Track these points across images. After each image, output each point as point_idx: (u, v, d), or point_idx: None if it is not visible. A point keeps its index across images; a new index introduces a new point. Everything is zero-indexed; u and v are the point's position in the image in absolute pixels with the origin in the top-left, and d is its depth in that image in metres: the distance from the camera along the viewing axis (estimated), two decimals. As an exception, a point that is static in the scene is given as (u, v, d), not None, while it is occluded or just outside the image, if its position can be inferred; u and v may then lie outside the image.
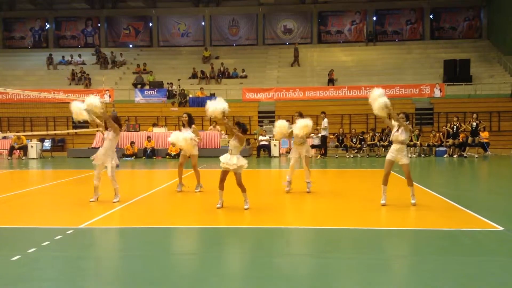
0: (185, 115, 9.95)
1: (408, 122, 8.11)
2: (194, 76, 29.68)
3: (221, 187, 8.02)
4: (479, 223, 6.80)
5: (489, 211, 7.53)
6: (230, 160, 7.75)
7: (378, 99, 7.84)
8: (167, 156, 19.74)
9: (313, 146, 19.91)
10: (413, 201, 8.12)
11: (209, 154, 19.24)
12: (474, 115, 19.80)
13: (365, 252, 5.46)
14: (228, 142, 8.10)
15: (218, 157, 8.13)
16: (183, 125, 9.93)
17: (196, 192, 9.84)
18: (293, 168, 9.78)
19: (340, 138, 20.61)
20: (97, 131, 20.31)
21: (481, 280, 4.49)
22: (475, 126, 19.34)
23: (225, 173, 7.94)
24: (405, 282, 4.57)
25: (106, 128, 8.72)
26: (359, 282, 4.47)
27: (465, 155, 19.08)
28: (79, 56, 32.62)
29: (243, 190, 7.96)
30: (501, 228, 6.37)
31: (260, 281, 4.49)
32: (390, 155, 8.13)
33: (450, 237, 6.12)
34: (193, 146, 9.48)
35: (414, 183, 8.23)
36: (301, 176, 10.20)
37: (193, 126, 9.85)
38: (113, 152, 8.60)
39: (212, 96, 25.73)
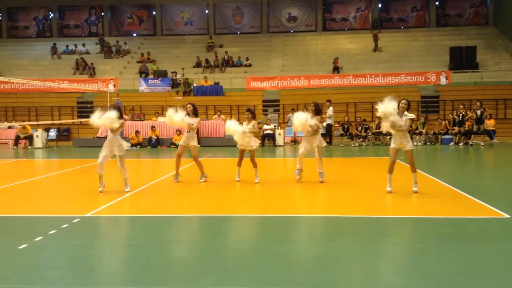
0: (189, 105, 10.00)
1: (409, 109, 8.05)
2: (198, 65, 29.59)
3: (240, 164, 9.72)
4: (485, 210, 6.77)
5: (495, 199, 7.51)
6: (248, 143, 9.36)
7: (386, 118, 7.80)
8: (172, 145, 19.76)
9: (318, 135, 19.86)
10: (415, 189, 8.10)
11: (214, 143, 19.25)
12: (478, 103, 19.66)
13: (371, 240, 5.45)
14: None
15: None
16: (188, 115, 9.93)
17: (200, 182, 9.84)
18: (303, 156, 9.57)
19: (346, 126, 20.53)
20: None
21: (485, 267, 4.48)
22: (479, 114, 19.22)
23: (242, 152, 9.62)
24: (409, 269, 4.56)
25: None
26: (364, 270, 4.47)
27: (471, 143, 18.99)
28: (83, 45, 32.57)
29: (255, 165, 9.50)
30: (507, 216, 6.35)
31: (266, 269, 4.50)
32: (394, 143, 8.12)
33: (456, 225, 6.10)
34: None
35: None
36: (311, 166, 10.15)
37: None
38: (118, 138, 8.54)
39: (216, 85, 25.70)
